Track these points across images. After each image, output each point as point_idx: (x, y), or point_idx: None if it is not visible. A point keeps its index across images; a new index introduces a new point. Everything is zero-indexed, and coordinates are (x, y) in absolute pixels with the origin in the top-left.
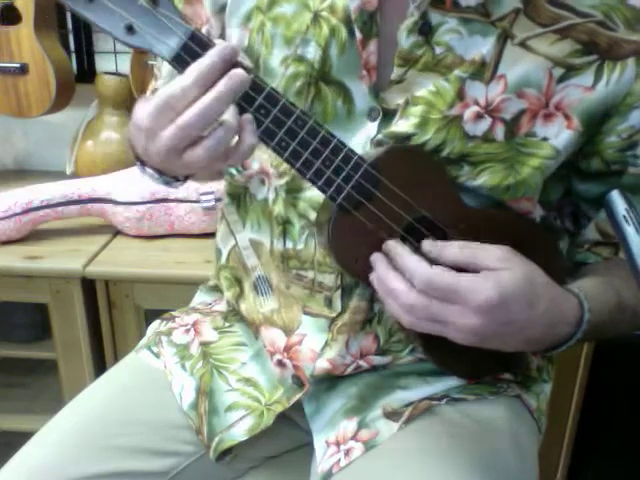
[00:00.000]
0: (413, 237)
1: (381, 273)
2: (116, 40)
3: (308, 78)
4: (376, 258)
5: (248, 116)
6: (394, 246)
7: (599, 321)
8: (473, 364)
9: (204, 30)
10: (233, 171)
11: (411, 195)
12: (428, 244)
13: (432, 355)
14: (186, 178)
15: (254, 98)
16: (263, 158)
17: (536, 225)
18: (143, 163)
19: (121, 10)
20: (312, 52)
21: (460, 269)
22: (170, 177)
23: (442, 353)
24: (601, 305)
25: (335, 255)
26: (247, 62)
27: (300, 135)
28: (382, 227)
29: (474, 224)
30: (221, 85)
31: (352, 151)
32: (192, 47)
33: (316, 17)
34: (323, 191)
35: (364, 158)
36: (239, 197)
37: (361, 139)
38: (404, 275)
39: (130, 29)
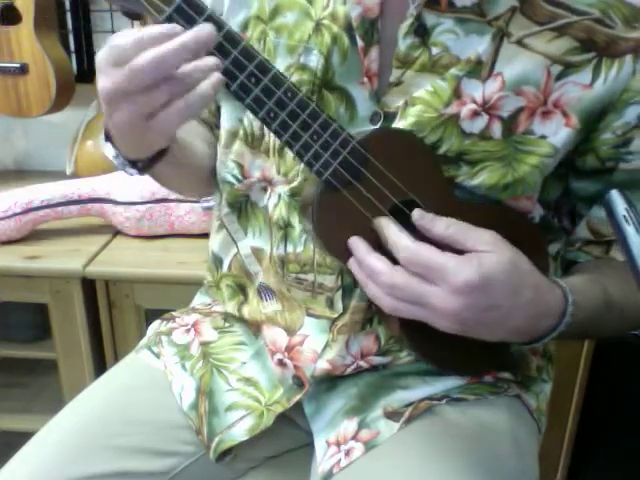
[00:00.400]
0: (399, 220)
1: (361, 255)
2: (112, 3)
3: (311, 86)
4: (354, 241)
5: (218, 74)
6: (383, 220)
7: (585, 317)
8: (470, 362)
9: None
10: (233, 180)
11: (400, 177)
12: (418, 213)
13: (429, 357)
14: (146, 168)
15: (245, 65)
16: (265, 166)
17: (525, 221)
18: (107, 138)
19: None
20: (314, 60)
21: (444, 248)
22: (126, 158)
23: (438, 353)
24: (587, 300)
25: (319, 235)
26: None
27: (290, 107)
28: (368, 207)
29: (461, 212)
30: (186, 36)
31: (341, 127)
32: (185, 10)
33: (318, 26)
34: (310, 165)
35: (353, 135)
36: (240, 206)
37: None
38: (385, 257)
39: None
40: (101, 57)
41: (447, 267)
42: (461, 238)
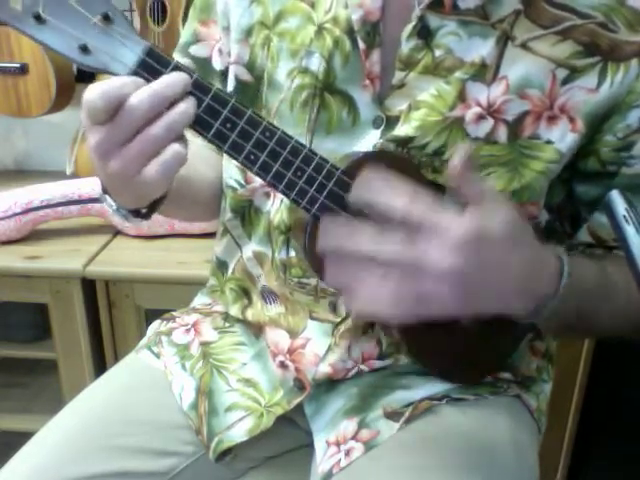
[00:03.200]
0: None
1: (336, 243)
2: (72, 62)
3: (313, 89)
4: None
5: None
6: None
7: (581, 284)
8: (471, 369)
9: (217, 48)
10: (236, 185)
11: None
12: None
13: (428, 363)
14: (148, 214)
15: (219, 111)
16: None
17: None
18: (105, 191)
19: (74, 30)
20: (316, 63)
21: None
22: (128, 210)
23: (438, 359)
24: (581, 267)
25: (313, 266)
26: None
27: (269, 146)
28: None
29: None
30: (176, 113)
31: (324, 159)
32: (149, 63)
33: (320, 29)
34: (297, 203)
35: (336, 166)
36: (243, 212)
37: (364, 147)
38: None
39: (85, 49)
40: (83, 118)
41: (441, 222)
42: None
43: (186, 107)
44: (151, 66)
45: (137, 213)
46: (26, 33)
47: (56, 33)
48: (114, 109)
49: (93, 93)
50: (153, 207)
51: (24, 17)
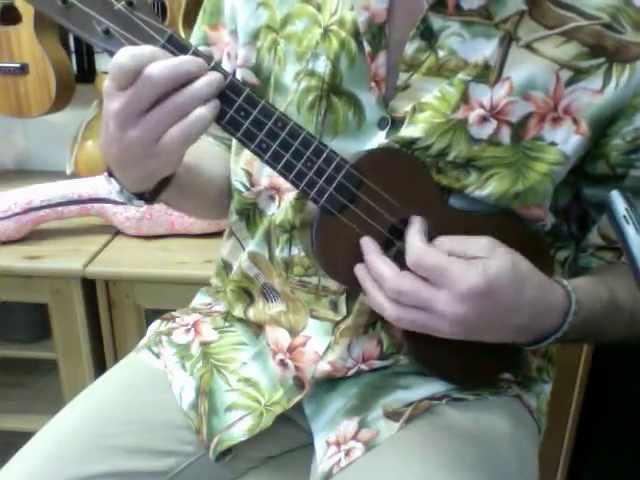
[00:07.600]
0: (397, 239)
1: (371, 258)
2: (93, 45)
3: (319, 91)
4: (366, 241)
5: (216, 100)
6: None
7: (589, 316)
8: (472, 372)
9: (226, 52)
10: (241, 188)
11: (395, 196)
12: (412, 251)
13: (430, 365)
14: (152, 198)
15: (234, 100)
16: (274, 174)
17: (526, 227)
18: (110, 174)
19: (98, 15)
20: (322, 66)
21: None
22: (132, 193)
23: (439, 361)
24: (592, 300)
25: (319, 259)
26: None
27: (281, 136)
28: (366, 229)
29: (459, 225)
30: (199, 84)
31: (334, 152)
32: (170, 49)
33: (326, 32)
34: (305, 193)
35: (346, 159)
36: (248, 214)
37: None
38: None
39: (107, 33)
40: (106, 84)
41: (453, 272)
42: (460, 252)
43: (211, 78)
44: (172, 52)
45: (140, 197)
46: (52, 16)
47: (80, 17)
48: (141, 72)
49: (126, 54)
50: (158, 191)
51: (51, 0)
